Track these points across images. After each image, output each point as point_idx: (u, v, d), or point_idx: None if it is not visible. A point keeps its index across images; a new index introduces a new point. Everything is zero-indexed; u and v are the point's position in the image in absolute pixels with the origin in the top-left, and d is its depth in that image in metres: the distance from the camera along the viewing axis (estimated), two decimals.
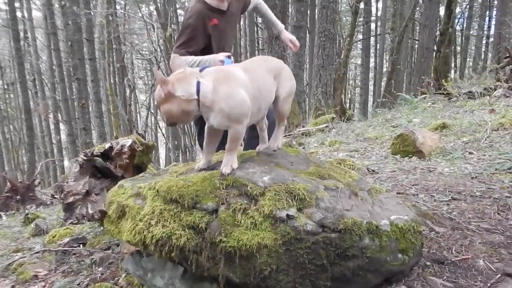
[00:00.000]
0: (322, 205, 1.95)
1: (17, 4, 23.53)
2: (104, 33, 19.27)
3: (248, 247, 1.81)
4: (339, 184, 2.16)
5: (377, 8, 33.35)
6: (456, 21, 25.62)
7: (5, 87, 29.21)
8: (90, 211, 2.92)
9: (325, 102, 12.24)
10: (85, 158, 3.41)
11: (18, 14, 24.28)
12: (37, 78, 26.03)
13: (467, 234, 2.58)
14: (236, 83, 2.07)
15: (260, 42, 25.32)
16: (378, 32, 31.37)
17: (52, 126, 26.65)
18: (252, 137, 3.15)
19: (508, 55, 10.35)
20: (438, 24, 17.02)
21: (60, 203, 3.31)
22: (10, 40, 20.56)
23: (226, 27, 3.47)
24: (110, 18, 18.46)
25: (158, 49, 19.02)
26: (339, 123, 10.58)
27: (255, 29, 23.73)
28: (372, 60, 32.39)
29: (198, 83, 2.03)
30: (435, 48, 15.04)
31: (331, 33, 12.53)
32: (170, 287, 2.13)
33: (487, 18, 30.95)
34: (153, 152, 4.25)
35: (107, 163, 3.61)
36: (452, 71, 24.86)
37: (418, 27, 23.77)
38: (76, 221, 2.96)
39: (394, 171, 4.63)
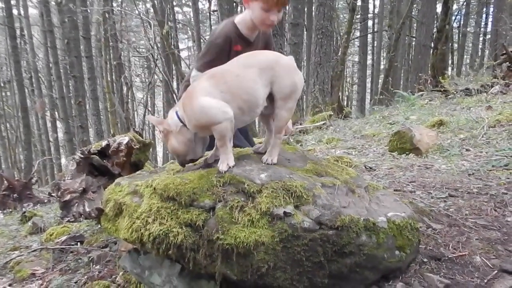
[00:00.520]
0: (319, 202, 1.95)
1: (13, 2, 23.42)
2: (100, 31, 19.24)
3: (245, 244, 1.81)
4: (336, 181, 2.16)
5: (374, 5, 33.37)
6: (453, 18, 25.66)
7: (2, 85, 29.09)
8: (87, 209, 2.92)
9: (323, 100, 12.24)
10: (82, 156, 3.41)
11: (15, 11, 24.17)
12: (34, 76, 25.94)
13: (464, 230, 2.59)
14: (196, 95, 2.12)
15: None
16: (375, 29, 31.36)
17: (49, 124, 26.59)
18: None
19: (504, 52, 10.36)
20: (435, 21, 17.04)
21: (57, 201, 3.30)
22: (7, 38, 20.47)
23: None
24: (107, 15, 18.42)
25: (155, 47, 18.96)
26: (337, 121, 10.59)
27: None
28: (369, 57, 32.41)
29: (176, 113, 2.20)
30: (432, 45, 15.08)
31: (329, 30, 12.53)
32: (168, 284, 2.13)
33: (484, 15, 31.02)
34: (150, 150, 4.24)
35: (104, 161, 3.61)
36: (449, 68, 24.91)
37: (415, 24, 23.83)
38: (73, 219, 2.96)
39: (391, 168, 4.64)
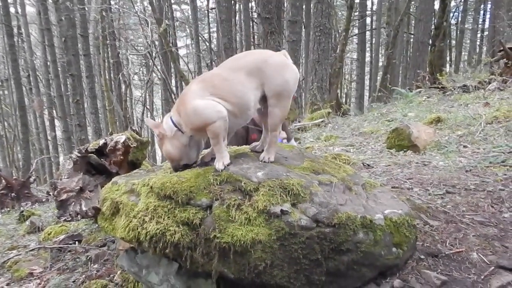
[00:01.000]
0: (316, 200, 1.95)
1: (10, 0, 23.39)
2: (98, 29, 19.22)
3: (242, 242, 1.80)
4: (333, 179, 2.16)
5: (372, 2, 33.38)
6: (451, 15, 25.64)
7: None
8: (84, 208, 2.91)
9: (321, 97, 12.24)
10: (79, 155, 3.40)
11: (12, 9, 24.15)
12: (32, 74, 25.90)
13: (461, 227, 2.59)
14: (188, 99, 2.14)
15: (255, 37, 25.29)
16: (373, 27, 31.37)
17: (47, 123, 26.58)
18: None
19: (502, 48, 10.36)
20: (433, 18, 17.04)
21: (54, 201, 3.30)
22: (4, 36, 20.40)
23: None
24: (104, 13, 18.40)
25: (153, 45, 18.95)
26: (335, 118, 10.60)
27: (251, 24, 23.67)
28: (367, 54, 32.44)
29: (171, 118, 2.23)
30: (430, 42, 15.07)
31: (327, 27, 12.53)
32: (165, 283, 2.13)
33: (481, 12, 31.01)
34: (148, 148, 4.24)
35: (102, 159, 3.60)
36: (447, 65, 24.91)
37: (413, 21, 23.79)
38: (69, 219, 2.96)
39: (389, 165, 4.65)
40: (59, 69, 20.82)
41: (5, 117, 29.95)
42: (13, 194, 7.58)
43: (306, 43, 20.75)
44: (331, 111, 11.24)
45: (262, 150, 2.32)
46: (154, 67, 21.22)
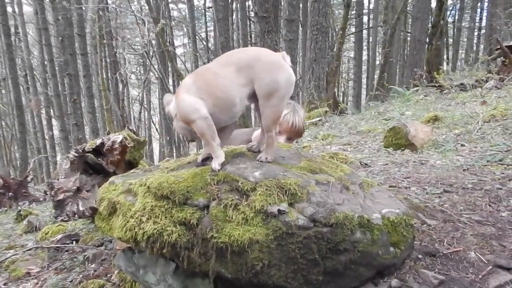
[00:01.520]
0: (313, 199, 1.95)
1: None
2: (95, 28, 19.18)
3: (239, 242, 1.80)
4: (331, 179, 2.16)
5: (369, 1, 33.44)
6: (448, 13, 25.68)
7: None
8: (81, 208, 2.91)
9: (318, 96, 12.26)
10: (76, 154, 3.39)
11: (9, 9, 24.11)
12: (29, 73, 25.90)
13: (459, 226, 2.59)
14: (181, 91, 2.19)
15: (252, 35, 25.29)
16: (370, 25, 31.43)
17: (44, 122, 26.54)
18: None
19: (499, 47, 10.38)
20: (430, 17, 17.06)
21: (51, 200, 3.29)
22: (1, 36, 20.39)
23: None
24: (101, 13, 18.36)
25: (150, 44, 18.93)
26: (332, 117, 10.61)
27: (248, 23, 23.67)
28: (364, 53, 32.48)
29: None
30: (427, 40, 15.09)
31: (324, 26, 12.53)
32: (162, 283, 2.13)
33: (478, 10, 31.08)
34: (146, 147, 4.23)
35: (99, 159, 3.60)
36: (444, 63, 24.95)
37: (410, 20, 23.83)
38: (67, 219, 2.96)
39: (387, 164, 4.65)
40: (56, 68, 20.81)
41: (2, 117, 29.90)
42: (10, 193, 7.57)
43: (303, 41, 20.78)
44: (328, 110, 11.25)
45: (259, 151, 2.31)
46: (151, 66, 21.22)
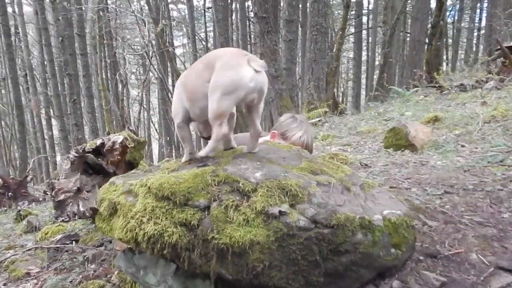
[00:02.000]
0: (314, 200, 1.94)
1: (7, 0, 23.34)
2: (95, 28, 19.19)
3: (240, 243, 1.79)
4: (332, 179, 2.15)
5: (368, 1, 33.45)
6: (448, 13, 25.68)
7: None
8: (82, 209, 2.90)
9: (318, 96, 12.25)
10: (76, 154, 3.39)
11: (9, 9, 24.10)
12: (29, 73, 25.88)
13: (460, 227, 2.58)
14: (176, 88, 2.44)
15: (252, 36, 25.29)
16: (370, 26, 31.43)
17: (44, 122, 26.53)
18: None
19: (499, 47, 10.38)
20: (430, 17, 17.06)
21: (52, 201, 3.28)
22: (1, 36, 20.39)
23: None
24: (101, 13, 18.36)
25: (150, 44, 18.92)
26: (332, 117, 10.60)
27: (247, 23, 23.68)
28: (364, 53, 32.50)
29: None
30: (427, 41, 15.08)
31: (323, 27, 12.53)
32: (163, 284, 2.12)
33: (478, 11, 31.09)
34: (145, 148, 4.23)
35: (99, 159, 3.59)
36: (444, 64, 24.95)
37: (409, 20, 23.84)
38: (67, 219, 2.95)
39: (387, 165, 4.64)
40: (56, 68, 20.82)
41: (2, 116, 29.88)
42: (10, 193, 7.56)
43: (302, 42, 20.78)
44: (328, 110, 11.24)
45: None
46: (151, 66, 21.22)
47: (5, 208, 7.22)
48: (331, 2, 23.87)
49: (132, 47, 31.87)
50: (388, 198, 2.29)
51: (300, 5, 18.87)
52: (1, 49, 22.47)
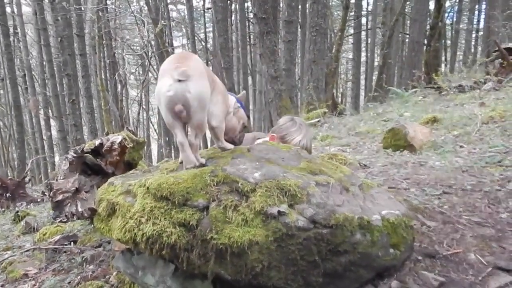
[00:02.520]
0: (313, 201, 1.94)
1: (6, 0, 23.32)
2: (94, 29, 19.18)
3: (239, 244, 1.79)
4: (330, 180, 2.15)
5: (367, 3, 33.48)
6: (446, 15, 25.71)
7: None
8: (80, 209, 2.90)
9: (317, 97, 12.25)
10: (74, 155, 3.38)
11: (8, 9, 24.08)
12: (27, 74, 25.83)
13: (458, 228, 2.59)
14: None
15: (251, 36, 25.31)
16: (369, 27, 31.45)
17: (42, 122, 26.51)
18: None
19: (497, 48, 10.39)
20: (428, 18, 17.08)
21: (50, 201, 3.28)
22: (0, 36, 20.35)
23: None
24: (101, 13, 18.36)
25: (149, 44, 18.92)
26: (331, 118, 10.60)
27: (247, 24, 23.69)
28: (363, 54, 32.53)
29: None
30: (426, 42, 15.10)
31: (322, 27, 12.53)
32: (161, 284, 2.12)
33: (476, 12, 31.13)
34: (144, 148, 4.22)
35: (98, 159, 3.58)
36: (443, 65, 24.98)
37: (408, 21, 23.87)
38: (65, 220, 2.94)
39: (386, 165, 4.64)
40: (55, 68, 20.80)
41: (0, 117, 29.86)
42: (8, 194, 7.54)
43: (302, 43, 20.79)
44: (327, 110, 11.24)
45: None
46: (150, 67, 21.20)
47: (3, 209, 7.20)
48: (330, 3, 23.88)
49: (132, 47, 31.87)
50: (386, 198, 2.29)
51: (300, 6, 18.87)
52: (0, 50, 22.44)
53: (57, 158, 23.02)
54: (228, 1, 19.99)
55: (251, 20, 21.56)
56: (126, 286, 2.64)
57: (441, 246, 2.37)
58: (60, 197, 3.01)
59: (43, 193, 8.01)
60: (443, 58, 27.27)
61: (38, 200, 7.68)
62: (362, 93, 31.43)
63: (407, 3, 21.05)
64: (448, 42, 31.17)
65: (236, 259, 1.82)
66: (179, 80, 2.01)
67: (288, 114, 11.27)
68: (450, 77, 11.67)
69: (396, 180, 3.87)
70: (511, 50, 9.88)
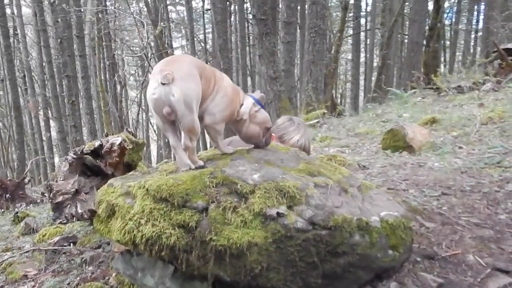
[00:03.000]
0: (312, 202, 1.95)
1: (6, 1, 23.34)
2: (94, 30, 19.19)
3: (238, 245, 1.80)
4: (329, 181, 2.16)
5: (366, 3, 33.48)
6: (445, 15, 25.73)
7: None
8: (80, 211, 2.90)
9: (316, 98, 12.26)
10: (74, 156, 3.38)
11: (8, 11, 24.09)
12: (27, 75, 25.83)
13: (457, 229, 2.59)
14: None
15: (250, 38, 25.31)
16: (368, 27, 31.46)
17: (42, 123, 26.52)
18: None
19: (496, 49, 10.41)
20: (427, 19, 17.09)
21: (49, 203, 3.28)
22: (0, 37, 20.35)
23: None
24: (100, 15, 18.37)
25: (149, 46, 18.93)
26: (330, 119, 10.61)
27: (246, 25, 23.70)
28: (362, 55, 32.55)
29: None
30: (425, 42, 15.11)
31: (321, 28, 12.55)
32: (161, 286, 2.12)
33: (475, 13, 31.15)
34: (144, 149, 4.22)
35: (97, 161, 3.58)
36: (442, 66, 24.99)
37: (407, 22, 23.85)
38: (65, 221, 2.95)
39: (385, 166, 4.65)
40: (54, 70, 20.81)
41: (0, 118, 29.84)
42: (7, 195, 7.54)
43: (301, 44, 20.81)
44: (326, 111, 11.24)
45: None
46: (150, 68, 21.19)
47: (2, 210, 7.20)
48: (329, 4, 23.91)
49: (131, 48, 31.87)
50: (385, 199, 2.29)
51: (299, 7, 18.88)
52: (0, 51, 22.44)
53: (56, 159, 23.03)
54: (227, 2, 19.99)
55: (250, 21, 21.57)
56: None
57: (440, 247, 2.37)
58: (59, 199, 3.01)
59: (42, 194, 8.02)
60: (442, 59, 27.29)
61: (38, 201, 7.68)
62: (361, 94, 31.44)
63: (406, 3, 21.06)
64: (447, 42, 31.19)
65: (235, 260, 1.83)
66: (163, 84, 2.02)
67: (287, 114, 11.30)
68: (449, 77, 11.68)
69: (395, 181, 3.87)
70: (510, 50, 9.91)
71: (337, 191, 2.12)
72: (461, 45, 34.20)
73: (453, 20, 31.13)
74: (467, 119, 6.23)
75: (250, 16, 18.77)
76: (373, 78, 25.82)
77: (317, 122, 10.05)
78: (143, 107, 29.47)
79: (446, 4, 25.71)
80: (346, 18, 18.35)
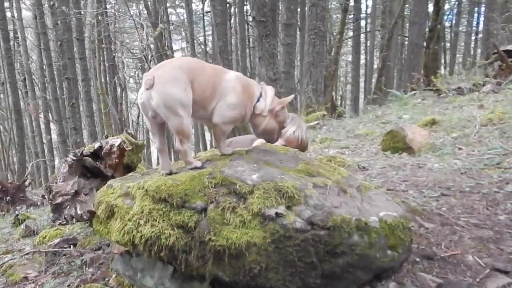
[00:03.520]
0: (311, 202, 1.95)
1: (6, 4, 23.36)
2: (94, 32, 19.19)
3: (237, 245, 1.80)
4: (328, 182, 2.16)
5: (366, 5, 33.50)
6: (445, 17, 25.75)
7: None
8: (79, 212, 2.90)
9: (316, 99, 12.26)
10: (74, 158, 3.39)
11: (8, 14, 24.11)
12: (27, 78, 25.83)
13: (456, 229, 2.59)
14: None
15: (250, 40, 25.32)
16: (368, 29, 31.45)
17: (42, 126, 26.47)
18: None
19: (496, 51, 10.40)
20: (427, 21, 17.08)
21: (49, 204, 3.29)
22: (0, 40, 20.36)
23: None
24: (100, 17, 18.38)
25: (149, 48, 18.93)
26: (330, 120, 10.60)
27: (246, 27, 23.70)
28: (362, 57, 32.53)
29: None
30: (425, 44, 15.10)
31: (321, 30, 12.55)
32: (160, 286, 2.12)
33: (475, 15, 31.15)
34: (144, 151, 4.22)
35: (97, 162, 3.59)
36: (442, 67, 24.98)
37: (407, 24, 23.86)
38: (64, 222, 2.95)
39: (384, 167, 4.65)
40: (54, 72, 20.80)
41: (0, 121, 29.85)
42: (8, 197, 7.56)
43: (301, 46, 20.79)
44: (326, 113, 11.24)
45: None
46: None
47: (3, 213, 7.21)
48: (329, 6, 23.92)
49: (131, 51, 31.85)
50: (384, 200, 2.30)
51: (299, 9, 18.89)
52: (0, 54, 22.46)
53: (57, 162, 23.01)
54: (227, 5, 20.02)
55: (250, 23, 21.56)
56: None
57: (439, 248, 2.37)
58: (59, 200, 3.01)
59: (43, 196, 8.01)
60: (442, 61, 27.28)
61: (38, 203, 7.69)
62: (361, 95, 31.42)
63: (406, 5, 21.05)
64: (447, 44, 31.18)
65: (234, 260, 1.83)
66: (147, 89, 2.12)
67: None
68: (449, 79, 11.70)
69: (395, 182, 3.87)
70: (510, 52, 9.90)
71: (336, 192, 2.13)
72: (461, 47, 34.20)
73: (453, 22, 31.15)
74: (467, 121, 6.23)
75: (250, 18, 18.79)
76: (373, 80, 25.82)
77: (317, 123, 10.05)
78: None
79: (446, 6, 25.71)
80: (346, 20, 18.38)
